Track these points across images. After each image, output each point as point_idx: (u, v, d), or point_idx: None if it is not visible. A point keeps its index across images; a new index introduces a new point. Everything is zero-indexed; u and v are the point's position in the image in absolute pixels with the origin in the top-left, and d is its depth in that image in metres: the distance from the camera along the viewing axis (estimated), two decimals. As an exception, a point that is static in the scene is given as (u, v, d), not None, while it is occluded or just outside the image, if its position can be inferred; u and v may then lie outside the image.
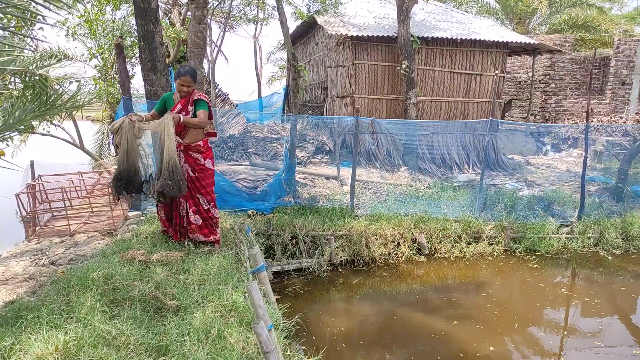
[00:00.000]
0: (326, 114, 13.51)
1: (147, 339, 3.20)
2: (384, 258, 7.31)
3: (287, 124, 13.62)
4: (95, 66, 8.93)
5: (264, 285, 4.65)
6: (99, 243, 5.68)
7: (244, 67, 57.92)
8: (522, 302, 6.29)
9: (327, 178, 9.70)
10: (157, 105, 5.01)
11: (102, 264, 4.24)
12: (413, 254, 7.50)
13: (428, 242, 7.66)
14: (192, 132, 4.86)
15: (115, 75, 8.95)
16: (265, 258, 6.34)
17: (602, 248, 8.14)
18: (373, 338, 5.18)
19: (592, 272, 7.35)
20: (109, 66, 9.00)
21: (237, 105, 17.73)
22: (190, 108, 4.87)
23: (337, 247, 7.13)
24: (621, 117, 15.02)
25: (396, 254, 7.40)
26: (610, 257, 7.83)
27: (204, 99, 4.86)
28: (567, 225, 8.45)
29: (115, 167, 5.08)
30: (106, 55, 8.96)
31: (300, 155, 10.55)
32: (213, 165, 5.13)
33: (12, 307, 3.45)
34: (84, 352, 2.85)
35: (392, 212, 7.94)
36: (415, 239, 7.62)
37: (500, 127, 12.60)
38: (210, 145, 5.14)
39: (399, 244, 7.50)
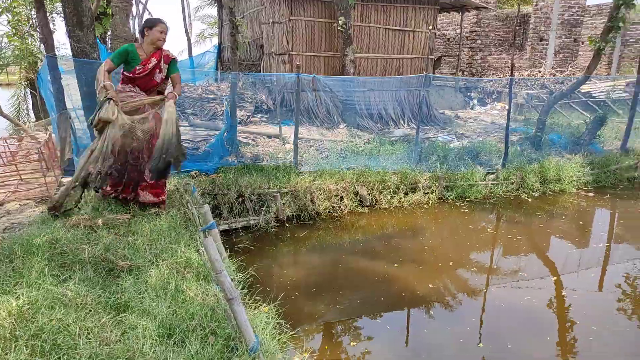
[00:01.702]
0: (263, 73, 13.30)
1: (105, 298, 3.21)
2: (329, 211, 7.59)
3: (222, 84, 13.28)
4: (8, 22, 8.10)
5: (216, 242, 4.72)
6: (34, 211, 5.41)
7: (170, 25, 54.21)
8: (455, 244, 6.86)
9: (269, 137, 9.71)
10: (116, 58, 4.76)
11: (44, 230, 4.09)
12: (356, 206, 7.84)
13: (369, 194, 8.01)
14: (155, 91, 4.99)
15: (32, 31, 8.19)
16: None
17: (523, 192, 8.94)
18: (323, 285, 5.47)
19: (515, 213, 8.10)
20: (23, 21, 8.20)
21: (167, 65, 16.88)
22: (165, 66, 4.91)
23: (283, 204, 7.29)
24: (539, 71, 16.14)
25: (340, 207, 7.70)
26: (530, 200, 8.65)
27: (176, 58, 5.06)
28: (492, 173, 9.15)
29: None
30: (19, 10, 8.13)
31: (239, 114, 10.40)
32: None
33: (-49, 278, 3.28)
34: (41, 314, 2.82)
35: (335, 168, 8.18)
36: (357, 192, 7.95)
37: (432, 82, 13.11)
38: None
39: (342, 197, 7.79)
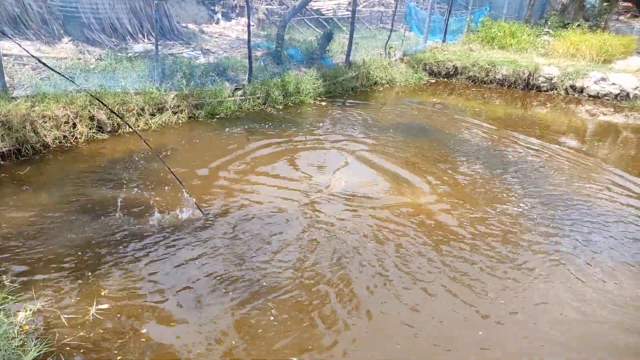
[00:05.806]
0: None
1: None
2: (59, 142, 6.52)
3: None
4: None
5: None
6: None
7: None
8: (208, 157, 6.79)
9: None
10: None
11: None
12: (94, 132, 6.95)
13: (109, 118, 7.17)
14: None
15: None
16: None
17: (269, 105, 9.45)
18: (57, 223, 4.76)
19: (260, 125, 8.49)
20: None
21: None
22: None
23: (-7, 138, 5.87)
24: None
25: (74, 136, 6.69)
26: (275, 112, 9.23)
27: None
28: (240, 89, 9.32)
29: None
30: None
31: None
32: None
33: None
34: None
35: (60, 90, 6.95)
36: (94, 116, 7.00)
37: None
38: None
39: (74, 124, 6.75)
